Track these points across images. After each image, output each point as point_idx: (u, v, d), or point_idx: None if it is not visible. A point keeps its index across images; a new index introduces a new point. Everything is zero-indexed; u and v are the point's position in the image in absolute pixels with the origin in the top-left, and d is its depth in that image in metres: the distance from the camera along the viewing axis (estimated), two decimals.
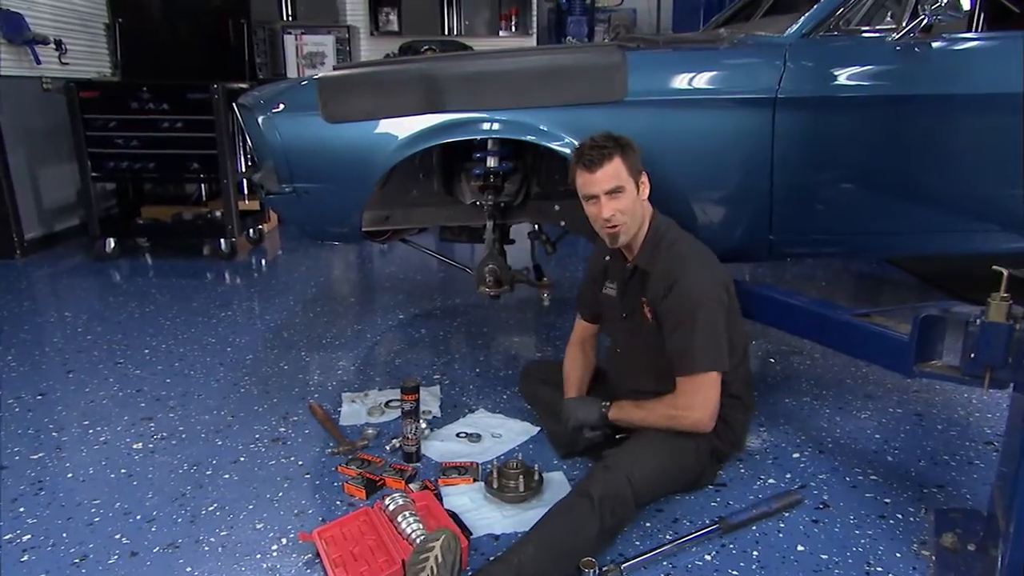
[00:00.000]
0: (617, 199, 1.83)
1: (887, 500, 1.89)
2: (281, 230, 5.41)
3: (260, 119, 2.28)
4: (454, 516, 1.80)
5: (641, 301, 1.93)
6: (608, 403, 1.93)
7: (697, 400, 1.79)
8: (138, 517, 1.86)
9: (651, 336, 1.91)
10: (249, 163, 4.49)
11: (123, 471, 2.07)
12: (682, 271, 1.82)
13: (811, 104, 2.17)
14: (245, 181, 4.85)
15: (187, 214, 4.78)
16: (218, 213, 4.65)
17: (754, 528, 1.79)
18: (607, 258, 2.06)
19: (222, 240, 4.50)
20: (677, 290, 1.80)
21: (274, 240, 5.17)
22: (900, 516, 1.83)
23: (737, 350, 1.91)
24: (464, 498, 1.90)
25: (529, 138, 2.23)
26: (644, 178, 1.89)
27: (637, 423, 1.86)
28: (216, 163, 4.29)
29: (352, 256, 4.94)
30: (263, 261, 4.72)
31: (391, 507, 1.74)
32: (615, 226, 1.86)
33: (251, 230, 4.87)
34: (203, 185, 5.12)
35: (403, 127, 2.24)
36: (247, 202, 4.97)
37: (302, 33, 5.89)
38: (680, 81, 2.21)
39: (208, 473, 2.05)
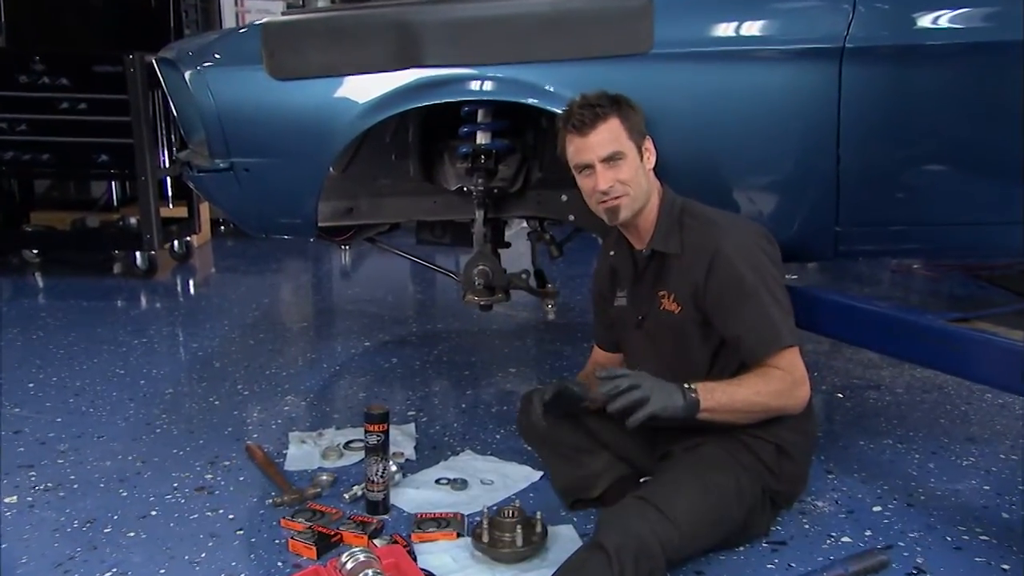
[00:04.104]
0: (616, 167, 1.87)
1: (1005, 566, 1.86)
2: (215, 243, 5.42)
3: (188, 75, 2.29)
4: None
5: (659, 295, 1.95)
6: (693, 387, 1.77)
7: (802, 375, 1.84)
8: None
9: (675, 331, 1.93)
10: (174, 154, 4.49)
11: None
12: (716, 238, 1.87)
13: (888, 56, 2.17)
14: (169, 179, 4.86)
15: (92, 221, 4.79)
16: (133, 220, 4.66)
17: None
18: (612, 254, 2.09)
19: (138, 254, 4.51)
20: (721, 262, 1.84)
21: (206, 255, 5.18)
22: None
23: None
24: (445, 556, 1.87)
25: (530, 101, 2.23)
26: (648, 143, 1.94)
27: (739, 406, 1.79)
28: (131, 156, 4.29)
29: (305, 275, 4.96)
30: (191, 281, 4.73)
31: (349, 565, 1.69)
32: (616, 198, 1.88)
33: (176, 242, 4.87)
34: (114, 184, 5.12)
35: (370, 86, 2.24)
36: (171, 207, 4.98)
37: None
38: (720, 29, 2.22)
39: (106, 531, 2.03)
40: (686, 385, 1.76)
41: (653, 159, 1.95)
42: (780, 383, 1.82)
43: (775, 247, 1.97)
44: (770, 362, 1.83)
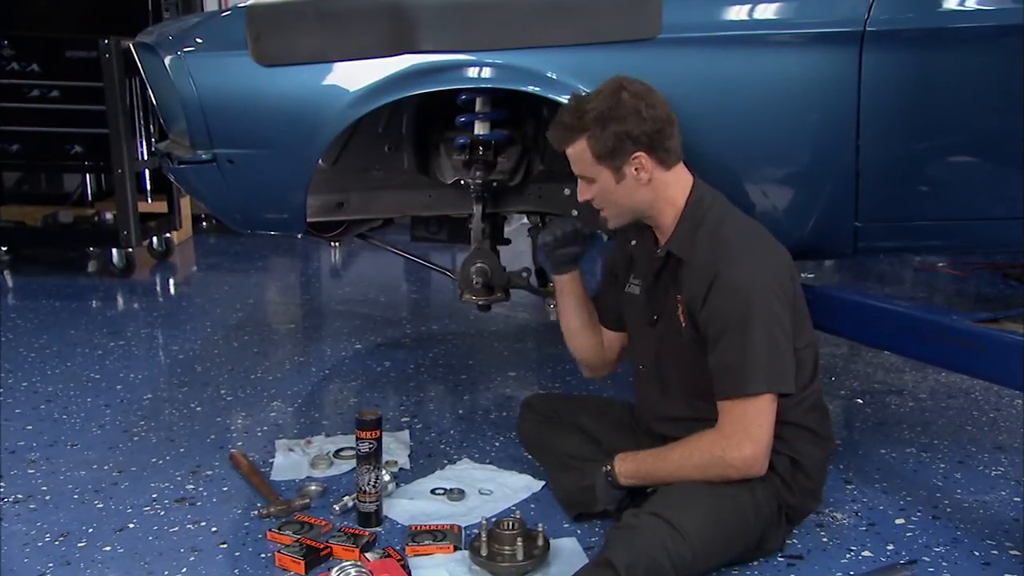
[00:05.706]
0: (587, 187, 1.96)
1: None
2: (196, 240, 5.43)
3: (168, 60, 2.29)
4: None
5: (676, 299, 1.95)
6: (609, 465, 1.95)
7: (748, 430, 1.79)
8: None
9: (685, 344, 1.93)
10: (153, 145, 4.50)
11: None
12: (726, 260, 1.83)
13: (912, 40, 2.17)
14: (148, 172, 4.87)
15: (65, 216, 4.79)
16: (109, 216, 4.66)
17: None
18: (633, 243, 2.09)
19: (114, 252, 4.52)
20: (720, 286, 1.81)
21: (187, 253, 5.19)
22: None
23: (805, 363, 1.91)
24: (441, 571, 1.88)
25: (531, 88, 2.24)
26: (640, 161, 1.89)
27: (663, 478, 1.87)
28: (107, 147, 4.30)
29: (293, 275, 4.97)
30: (171, 280, 4.74)
31: None
32: (600, 208, 1.99)
33: (155, 239, 4.88)
34: (88, 177, 5.13)
35: (362, 73, 2.25)
36: (150, 201, 5.00)
37: None
38: (732, 12, 2.22)
39: (81, 545, 2.03)
40: (606, 466, 1.95)
41: (646, 174, 1.89)
42: (712, 447, 1.81)
43: (794, 281, 1.92)
44: (725, 408, 1.81)
